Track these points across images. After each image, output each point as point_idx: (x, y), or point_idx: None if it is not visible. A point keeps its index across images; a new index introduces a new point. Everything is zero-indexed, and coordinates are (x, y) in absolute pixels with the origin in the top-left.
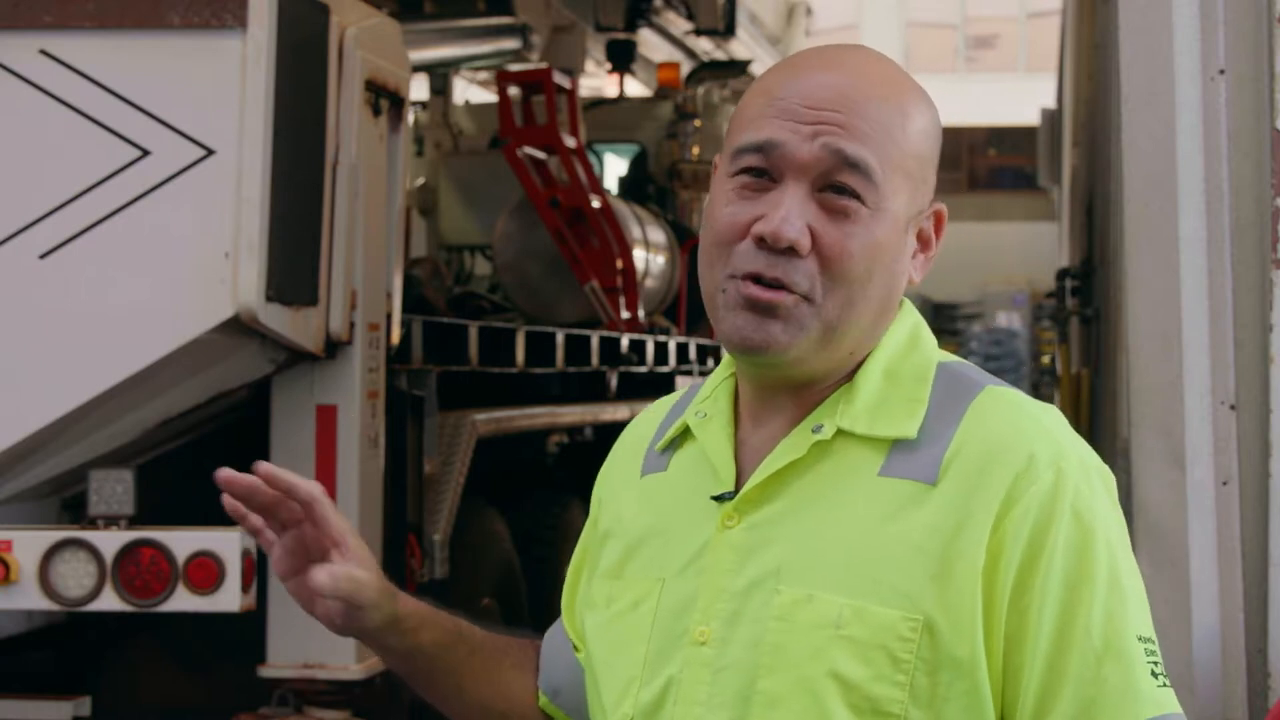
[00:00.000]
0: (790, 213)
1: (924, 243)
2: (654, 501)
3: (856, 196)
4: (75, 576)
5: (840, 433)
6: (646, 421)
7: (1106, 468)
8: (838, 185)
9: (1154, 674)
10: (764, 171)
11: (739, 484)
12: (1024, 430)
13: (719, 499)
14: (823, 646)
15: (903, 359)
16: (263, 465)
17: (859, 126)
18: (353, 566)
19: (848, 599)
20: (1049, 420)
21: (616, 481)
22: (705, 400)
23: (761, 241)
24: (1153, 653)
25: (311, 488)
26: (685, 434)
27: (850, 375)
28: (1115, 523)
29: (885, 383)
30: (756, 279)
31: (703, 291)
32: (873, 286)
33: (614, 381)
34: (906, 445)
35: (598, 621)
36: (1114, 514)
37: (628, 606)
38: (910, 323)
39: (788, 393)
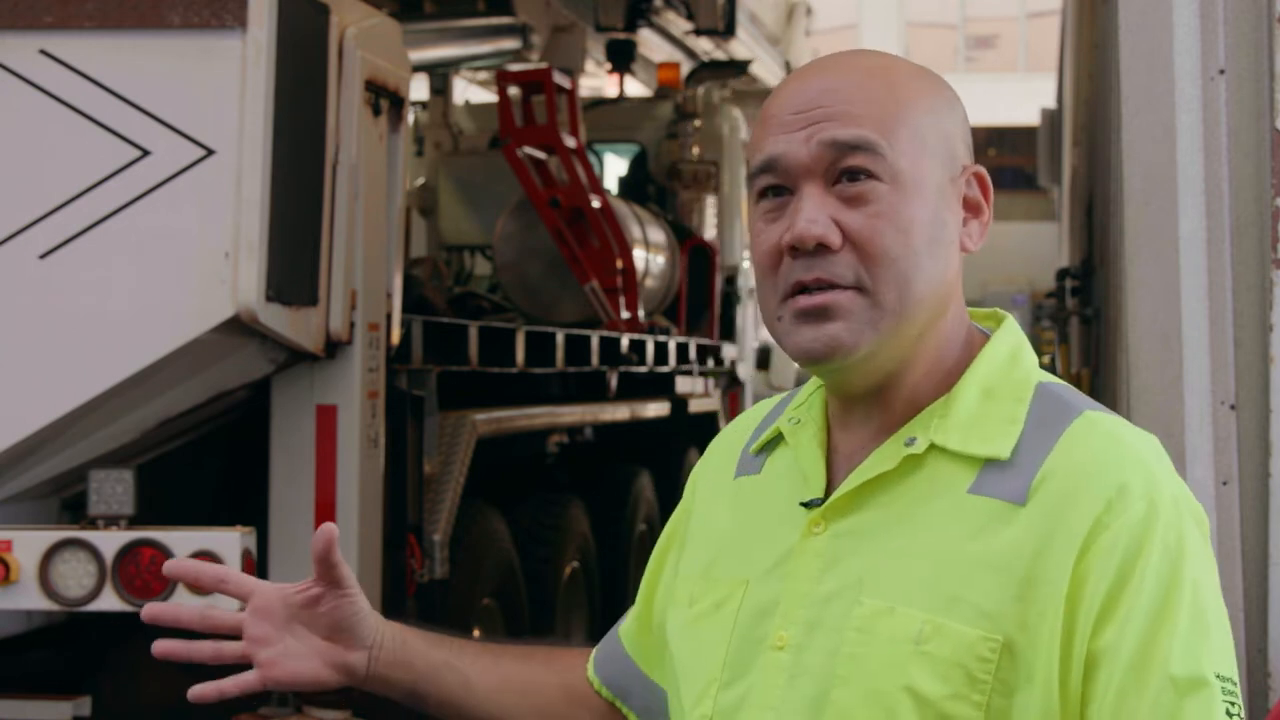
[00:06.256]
0: (809, 211)
1: (973, 209)
2: (745, 504)
3: (871, 175)
4: (75, 576)
5: (933, 447)
6: (744, 423)
7: (1200, 508)
8: (848, 171)
9: (1229, 713)
10: (780, 188)
11: (829, 491)
12: (1119, 459)
13: (807, 505)
14: (900, 661)
15: (1002, 376)
16: (168, 565)
17: (848, 111)
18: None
19: (929, 615)
20: (1146, 451)
21: (710, 480)
22: (799, 406)
23: (795, 251)
24: (1230, 692)
25: (219, 575)
26: (779, 439)
27: (946, 386)
28: (1204, 562)
29: (982, 400)
30: (802, 289)
31: (767, 328)
32: (922, 259)
33: (614, 381)
34: (998, 465)
35: (680, 620)
36: (1204, 554)
37: (710, 607)
38: (1012, 340)
39: (871, 397)
